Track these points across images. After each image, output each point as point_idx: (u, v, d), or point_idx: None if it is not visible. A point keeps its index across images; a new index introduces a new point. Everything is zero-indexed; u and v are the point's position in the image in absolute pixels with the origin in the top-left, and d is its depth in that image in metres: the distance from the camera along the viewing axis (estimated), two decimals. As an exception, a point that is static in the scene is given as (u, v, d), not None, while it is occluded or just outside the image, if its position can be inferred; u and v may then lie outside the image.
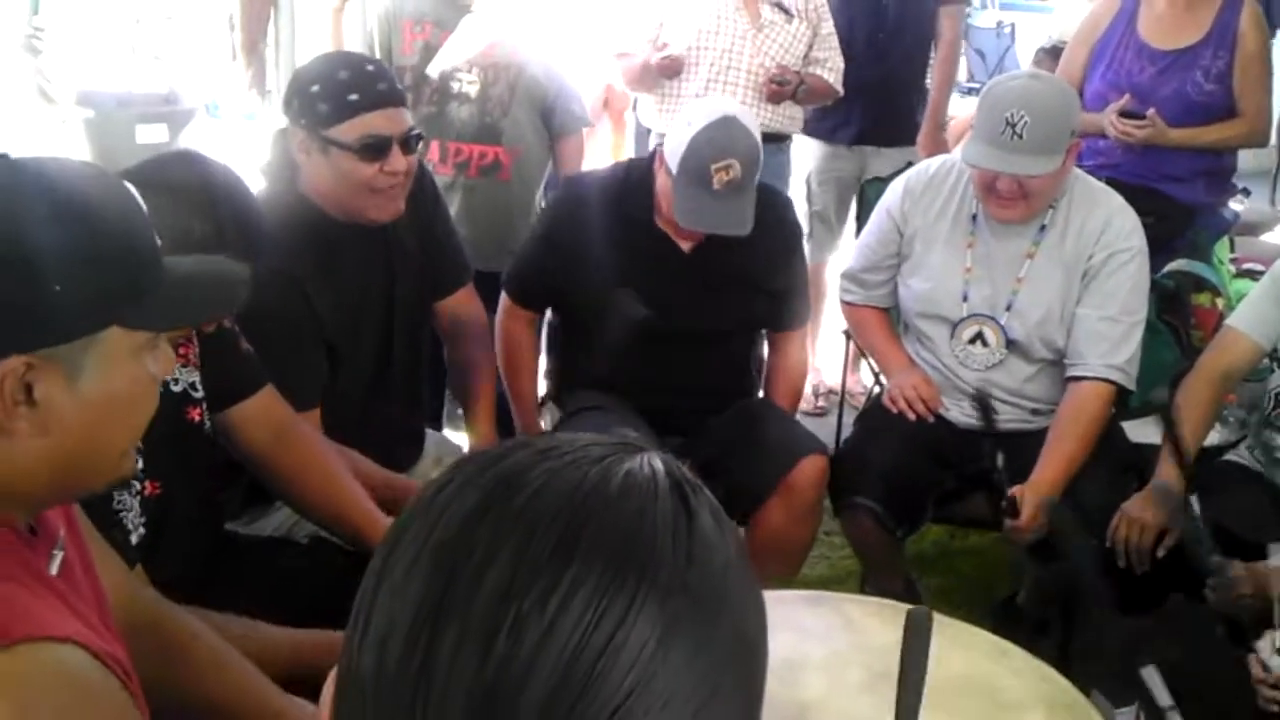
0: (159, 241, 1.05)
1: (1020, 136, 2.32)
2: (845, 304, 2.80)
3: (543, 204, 3.18)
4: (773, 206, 2.57)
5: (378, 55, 3.01)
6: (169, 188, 1.56)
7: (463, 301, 2.49)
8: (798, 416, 2.79)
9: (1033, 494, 2.31)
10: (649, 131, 3.52)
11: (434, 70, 2.95)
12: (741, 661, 0.56)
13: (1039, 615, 2.73)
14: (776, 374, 2.74)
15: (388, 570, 0.57)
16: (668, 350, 2.51)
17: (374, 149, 2.03)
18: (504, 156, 3.01)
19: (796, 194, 4.03)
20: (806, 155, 3.86)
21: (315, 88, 2.03)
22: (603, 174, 2.70)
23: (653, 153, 2.56)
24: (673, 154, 2.36)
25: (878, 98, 3.69)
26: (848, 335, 3.00)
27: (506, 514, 0.56)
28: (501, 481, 0.57)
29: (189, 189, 1.62)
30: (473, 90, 2.98)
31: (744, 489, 2.45)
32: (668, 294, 2.49)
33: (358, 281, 2.17)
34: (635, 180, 2.54)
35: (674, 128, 2.41)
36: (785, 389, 2.74)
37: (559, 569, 0.53)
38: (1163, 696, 1.76)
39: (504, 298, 2.67)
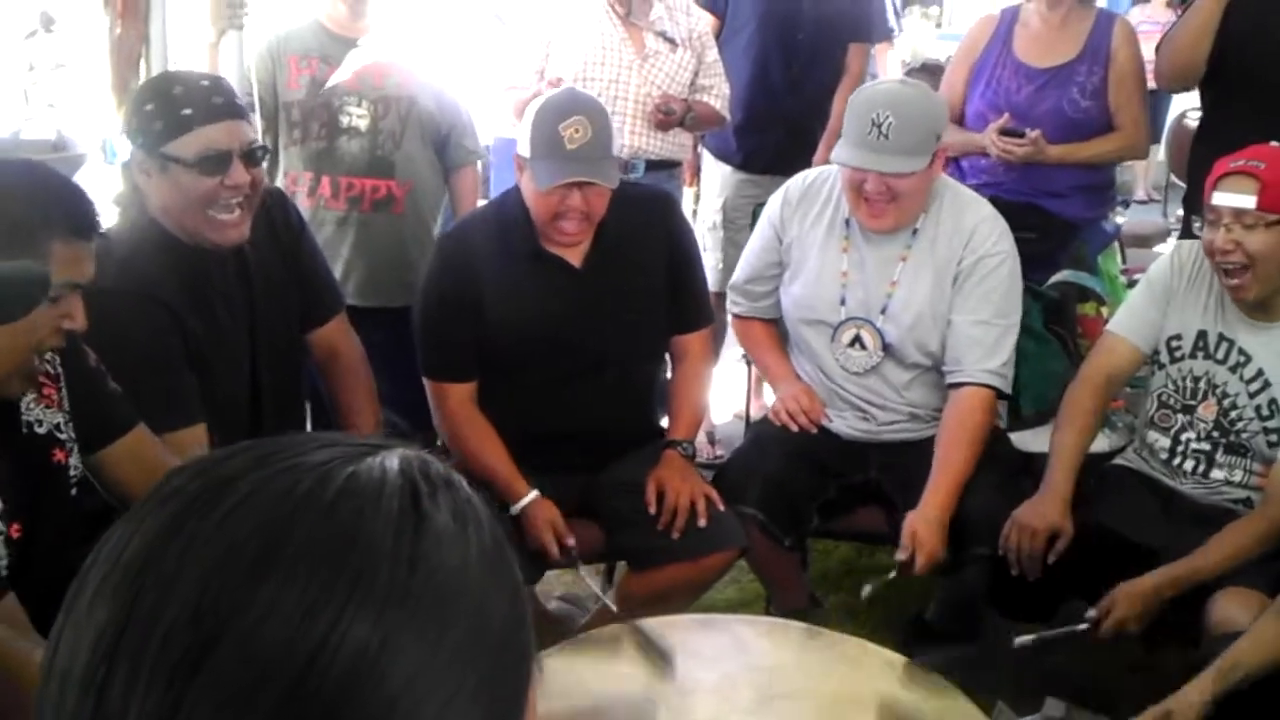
0: None
1: (886, 137, 2.36)
2: (734, 316, 2.84)
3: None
4: (653, 209, 2.56)
5: (256, 90, 2.97)
6: None
7: (336, 332, 2.42)
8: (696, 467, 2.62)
9: (924, 525, 2.30)
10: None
11: (323, 100, 2.92)
12: (487, 661, 0.54)
13: (948, 630, 2.74)
14: (680, 389, 2.65)
15: (77, 598, 0.52)
16: (573, 385, 2.44)
17: (213, 162, 1.97)
18: (397, 190, 2.98)
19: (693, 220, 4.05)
20: (718, 181, 3.87)
21: (149, 106, 1.99)
22: (475, 217, 2.65)
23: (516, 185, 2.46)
24: (523, 143, 2.33)
25: (790, 129, 3.74)
26: (748, 361, 3.01)
27: (201, 530, 0.51)
28: (204, 491, 0.52)
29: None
30: (363, 124, 2.95)
31: (644, 552, 2.41)
32: (568, 314, 2.42)
33: (220, 306, 2.12)
34: (510, 210, 2.45)
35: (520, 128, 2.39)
36: (688, 410, 2.64)
37: (253, 587, 0.49)
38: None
39: (431, 388, 2.49)
